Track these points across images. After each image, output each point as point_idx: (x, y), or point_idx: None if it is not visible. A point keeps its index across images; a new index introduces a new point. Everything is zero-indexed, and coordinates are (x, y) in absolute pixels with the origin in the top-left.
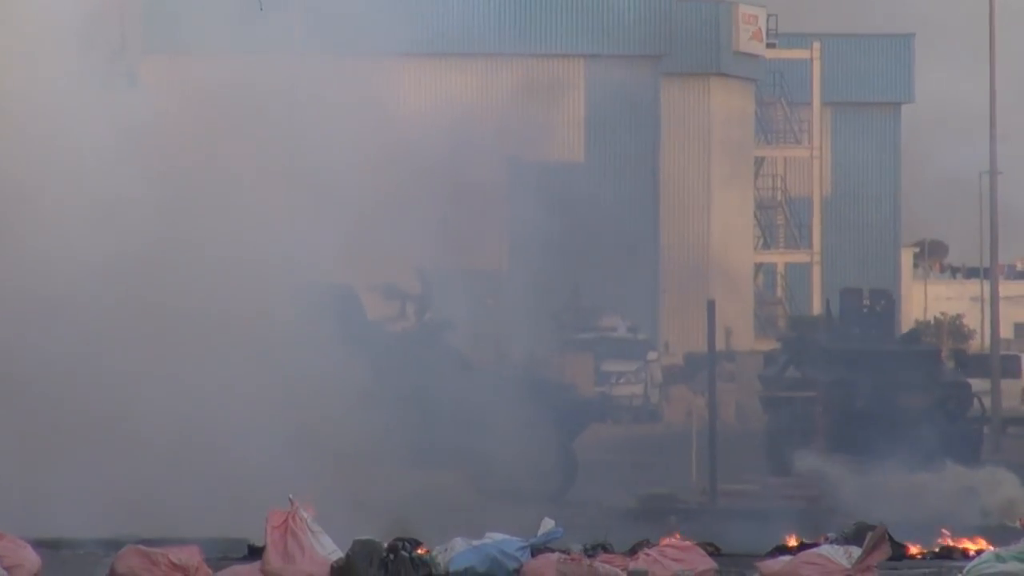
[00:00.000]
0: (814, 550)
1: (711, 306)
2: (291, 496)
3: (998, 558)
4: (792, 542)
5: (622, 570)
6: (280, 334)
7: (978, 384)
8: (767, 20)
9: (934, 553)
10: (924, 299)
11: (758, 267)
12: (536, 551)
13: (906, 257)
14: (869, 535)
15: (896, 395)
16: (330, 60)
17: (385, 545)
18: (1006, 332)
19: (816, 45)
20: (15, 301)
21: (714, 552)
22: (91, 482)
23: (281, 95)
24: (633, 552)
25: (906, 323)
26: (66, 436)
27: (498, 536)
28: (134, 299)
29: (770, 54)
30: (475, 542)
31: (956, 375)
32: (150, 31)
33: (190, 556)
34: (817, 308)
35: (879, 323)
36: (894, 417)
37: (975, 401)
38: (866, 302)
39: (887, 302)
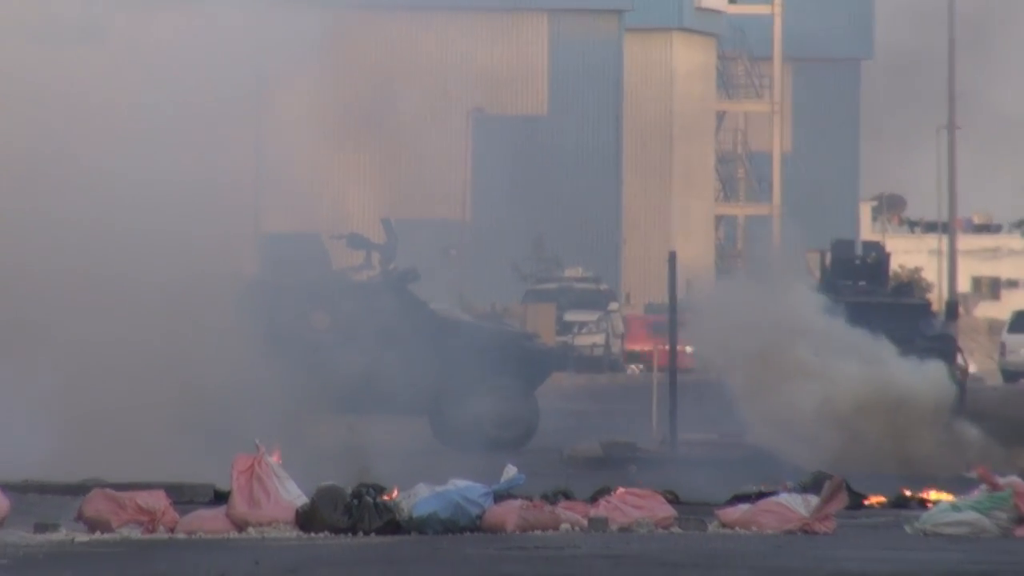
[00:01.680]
0: (773, 498)
1: (672, 257)
2: (257, 441)
3: (954, 508)
4: (751, 490)
5: (583, 517)
6: (247, 281)
7: None
8: None
9: (891, 502)
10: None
11: (719, 219)
12: (499, 497)
13: (865, 211)
14: (827, 484)
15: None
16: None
17: (349, 491)
18: (963, 285)
19: (778, 0)
20: None
21: (673, 500)
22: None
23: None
24: (594, 499)
25: None
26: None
27: (461, 483)
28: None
29: (732, 9)
30: (438, 488)
31: (943, 328)
32: None
33: (156, 500)
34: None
35: (870, 275)
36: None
37: (958, 354)
38: (858, 255)
39: (878, 254)
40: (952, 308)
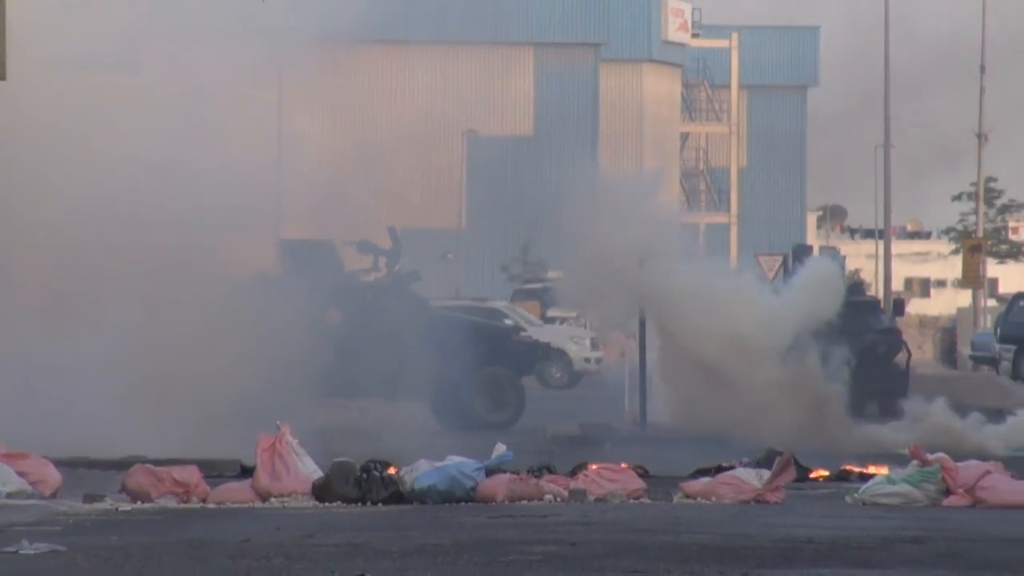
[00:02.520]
0: (730, 472)
1: (640, 262)
2: (278, 422)
3: (889, 480)
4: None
5: (564, 488)
6: (270, 283)
7: None
8: (692, 13)
9: (834, 476)
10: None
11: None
12: (490, 472)
13: (811, 220)
14: (777, 460)
15: (836, 338)
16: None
17: (359, 466)
18: (897, 285)
19: (734, 35)
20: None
21: (643, 474)
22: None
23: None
24: (574, 473)
25: None
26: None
27: (457, 459)
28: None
29: (695, 43)
30: (437, 464)
31: (889, 323)
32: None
33: (190, 474)
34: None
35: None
36: (828, 358)
37: (903, 345)
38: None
39: (835, 258)
40: (899, 305)
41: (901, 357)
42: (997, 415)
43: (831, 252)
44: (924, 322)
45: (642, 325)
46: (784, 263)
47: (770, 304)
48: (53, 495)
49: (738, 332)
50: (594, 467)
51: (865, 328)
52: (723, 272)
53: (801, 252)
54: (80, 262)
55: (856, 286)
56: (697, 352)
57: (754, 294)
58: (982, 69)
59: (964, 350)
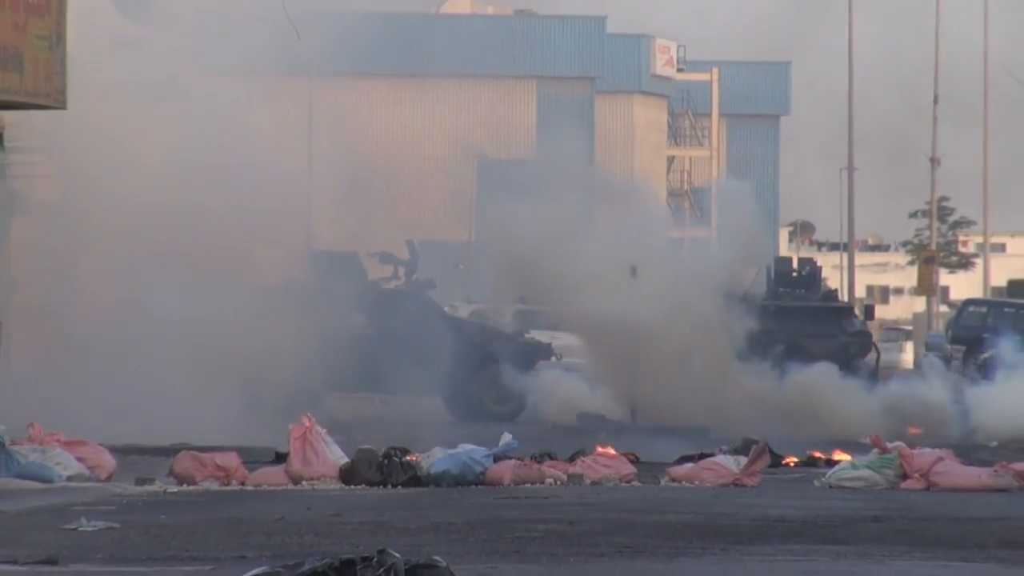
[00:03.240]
0: (711, 459)
1: (632, 271)
2: (308, 414)
3: (853, 466)
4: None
5: (563, 473)
6: (302, 289)
7: None
8: (677, 50)
9: (803, 462)
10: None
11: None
12: (497, 458)
13: (783, 234)
14: (753, 447)
15: (813, 341)
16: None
17: (381, 453)
18: (860, 292)
19: (715, 70)
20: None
21: (634, 460)
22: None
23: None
24: (572, 459)
25: None
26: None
27: (468, 446)
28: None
29: (680, 77)
30: (450, 451)
31: (861, 327)
32: None
33: (231, 460)
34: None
35: (806, 284)
36: (809, 358)
37: (873, 346)
38: (795, 268)
39: (811, 268)
40: (869, 310)
41: (871, 356)
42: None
43: (809, 263)
44: (884, 325)
45: (634, 326)
46: (767, 272)
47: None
48: (108, 478)
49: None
50: (591, 454)
51: (839, 331)
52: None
53: (782, 263)
54: (134, 264)
55: (831, 293)
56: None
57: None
58: (935, 99)
59: (920, 350)
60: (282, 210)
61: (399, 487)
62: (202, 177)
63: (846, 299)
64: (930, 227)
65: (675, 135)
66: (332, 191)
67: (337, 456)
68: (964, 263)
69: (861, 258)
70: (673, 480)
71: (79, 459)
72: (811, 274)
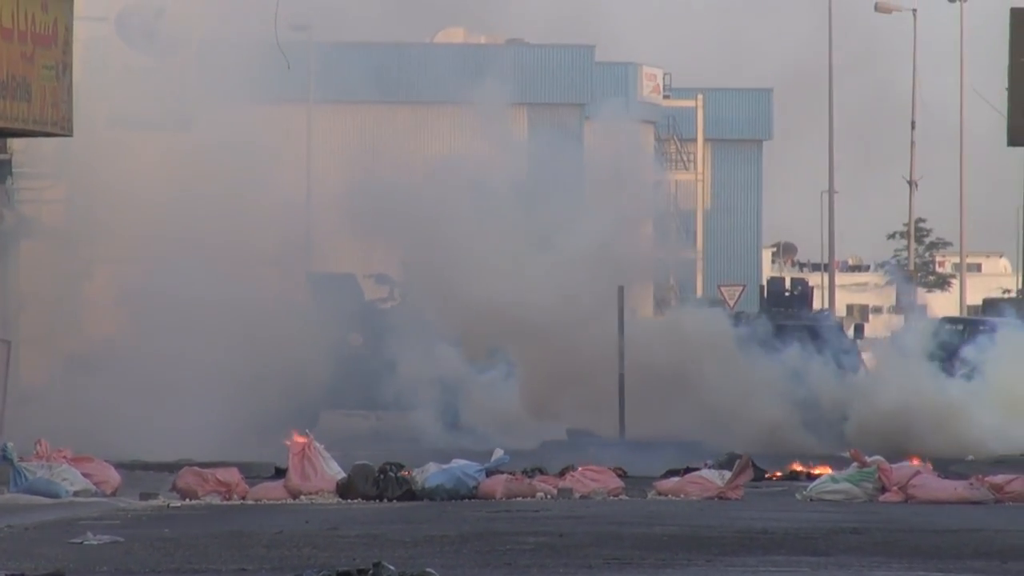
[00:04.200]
0: (696, 473)
1: (620, 291)
2: (307, 431)
3: (833, 480)
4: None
5: (553, 487)
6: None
7: None
8: (663, 78)
9: (786, 475)
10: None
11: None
12: (490, 473)
13: (766, 255)
14: (737, 462)
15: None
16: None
17: (377, 468)
18: (840, 311)
19: (700, 96)
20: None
21: (622, 475)
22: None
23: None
24: (562, 474)
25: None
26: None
27: (461, 462)
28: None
29: (666, 103)
30: (444, 466)
31: (850, 344)
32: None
33: (231, 475)
34: (700, 293)
35: (798, 303)
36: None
37: (861, 363)
38: (788, 287)
39: (803, 288)
40: (859, 329)
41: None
42: None
43: (801, 282)
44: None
45: (620, 346)
46: (760, 292)
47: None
48: (114, 493)
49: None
50: (580, 468)
51: (828, 348)
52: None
53: (774, 283)
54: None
55: (822, 312)
56: None
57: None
58: (913, 125)
59: None
60: (282, 234)
61: (395, 501)
62: (204, 202)
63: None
64: (908, 248)
65: (661, 159)
66: (331, 216)
67: (334, 471)
68: (941, 283)
69: (841, 278)
70: (659, 494)
71: (85, 475)
72: (803, 293)
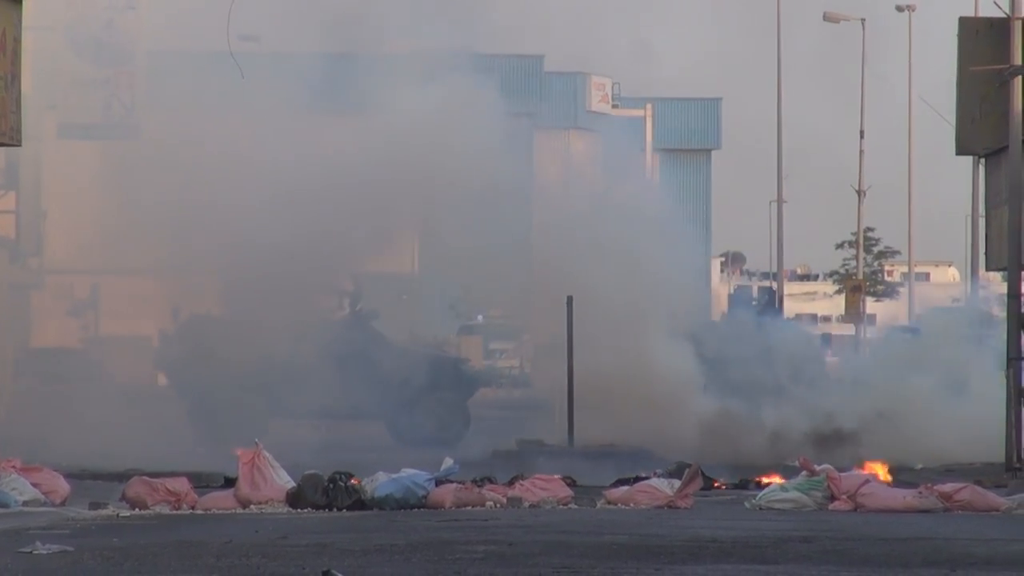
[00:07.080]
0: (646, 482)
1: (569, 300)
2: (256, 440)
3: (782, 488)
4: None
5: (503, 496)
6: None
7: None
8: (612, 87)
9: (735, 484)
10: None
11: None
12: (439, 482)
13: (715, 265)
14: (686, 471)
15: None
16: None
17: (326, 477)
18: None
19: (648, 106)
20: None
21: (571, 483)
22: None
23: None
24: (511, 483)
25: (716, 315)
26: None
27: (410, 471)
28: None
29: (615, 112)
30: (393, 475)
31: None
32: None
33: (181, 485)
34: None
35: (764, 311)
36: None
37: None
38: (754, 297)
39: (769, 296)
40: (826, 338)
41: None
42: None
43: (768, 291)
44: None
45: (570, 356)
46: (729, 300)
47: None
48: (63, 503)
49: None
50: (529, 478)
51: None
52: None
53: (741, 292)
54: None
55: (790, 321)
56: None
57: None
58: (861, 134)
59: None
60: (231, 245)
61: (344, 510)
62: (151, 214)
63: None
64: (856, 257)
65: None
66: (279, 223)
67: (284, 481)
68: (890, 292)
69: (790, 287)
70: (609, 502)
71: (34, 484)
72: (769, 303)
